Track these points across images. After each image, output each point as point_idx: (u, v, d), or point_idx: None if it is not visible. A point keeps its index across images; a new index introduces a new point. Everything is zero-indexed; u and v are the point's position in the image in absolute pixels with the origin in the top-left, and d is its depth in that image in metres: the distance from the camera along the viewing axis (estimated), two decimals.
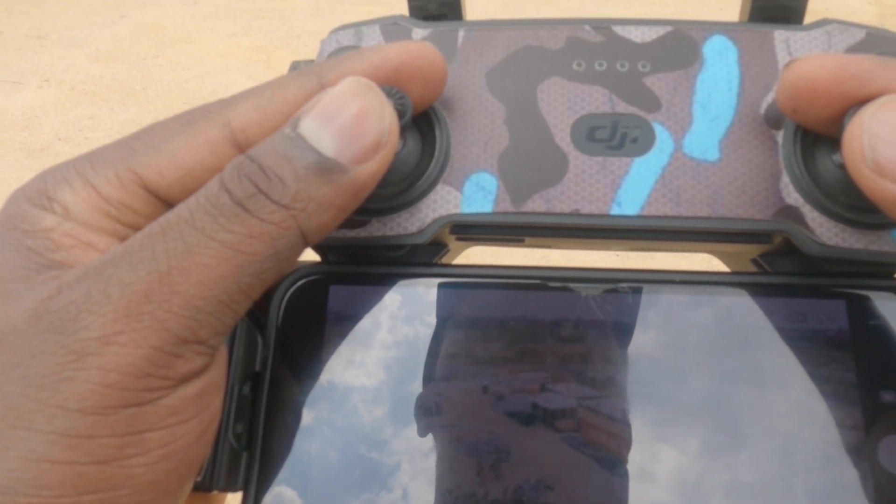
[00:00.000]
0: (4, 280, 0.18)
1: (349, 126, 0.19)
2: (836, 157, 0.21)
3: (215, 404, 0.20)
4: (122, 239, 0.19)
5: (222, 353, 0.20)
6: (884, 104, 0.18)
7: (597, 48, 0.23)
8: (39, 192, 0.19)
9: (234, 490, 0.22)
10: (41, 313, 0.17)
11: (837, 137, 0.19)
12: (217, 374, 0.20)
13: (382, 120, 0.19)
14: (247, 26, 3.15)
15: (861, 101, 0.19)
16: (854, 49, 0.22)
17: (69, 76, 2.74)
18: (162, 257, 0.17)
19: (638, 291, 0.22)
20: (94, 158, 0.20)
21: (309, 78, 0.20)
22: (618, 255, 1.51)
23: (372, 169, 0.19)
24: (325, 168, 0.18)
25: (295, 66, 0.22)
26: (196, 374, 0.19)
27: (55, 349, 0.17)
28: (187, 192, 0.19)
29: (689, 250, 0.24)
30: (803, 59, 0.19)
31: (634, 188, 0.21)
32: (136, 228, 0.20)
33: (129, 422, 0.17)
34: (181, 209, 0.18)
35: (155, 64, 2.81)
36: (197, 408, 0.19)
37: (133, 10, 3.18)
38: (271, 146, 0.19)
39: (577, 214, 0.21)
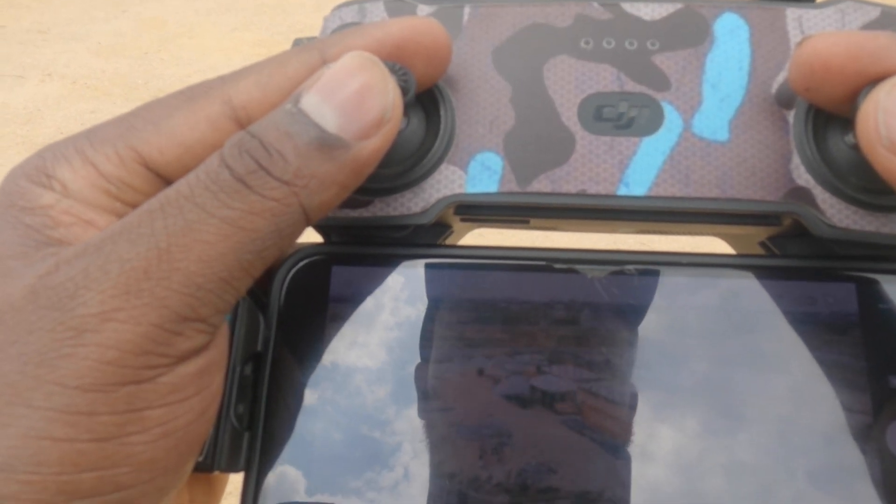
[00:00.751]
0: (3, 257, 0.18)
1: (351, 101, 0.18)
2: (848, 138, 0.20)
3: (216, 382, 0.20)
4: (122, 217, 0.19)
5: (223, 331, 0.20)
6: None
7: (605, 26, 0.22)
8: (38, 170, 0.19)
9: (235, 471, 0.22)
10: (39, 290, 0.17)
11: (851, 117, 0.19)
12: (218, 353, 0.19)
13: (386, 95, 0.19)
14: (249, 21, 3.14)
15: (876, 80, 0.18)
16: (868, 27, 0.21)
17: (71, 70, 2.74)
18: (161, 234, 0.17)
19: (644, 274, 0.22)
20: (93, 136, 0.20)
21: (311, 54, 0.20)
22: (625, 239, 1.51)
23: (375, 145, 0.19)
24: (327, 144, 0.18)
25: (298, 43, 0.22)
26: (196, 352, 0.18)
27: (53, 326, 0.17)
28: (187, 170, 0.19)
29: (697, 233, 0.24)
30: (817, 36, 0.19)
31: (642, 168, 0.21)
32: (136, 206, 0.20)
33: (129, 399, 0.17)
34: (181, 185, 0.18)
35: (157, 58, 2.81)
36: (197, 386, 0.19)
37: (134, 5, 3.18)
38: (272, 122, 0.18)
39: (583, 195, 0.21)
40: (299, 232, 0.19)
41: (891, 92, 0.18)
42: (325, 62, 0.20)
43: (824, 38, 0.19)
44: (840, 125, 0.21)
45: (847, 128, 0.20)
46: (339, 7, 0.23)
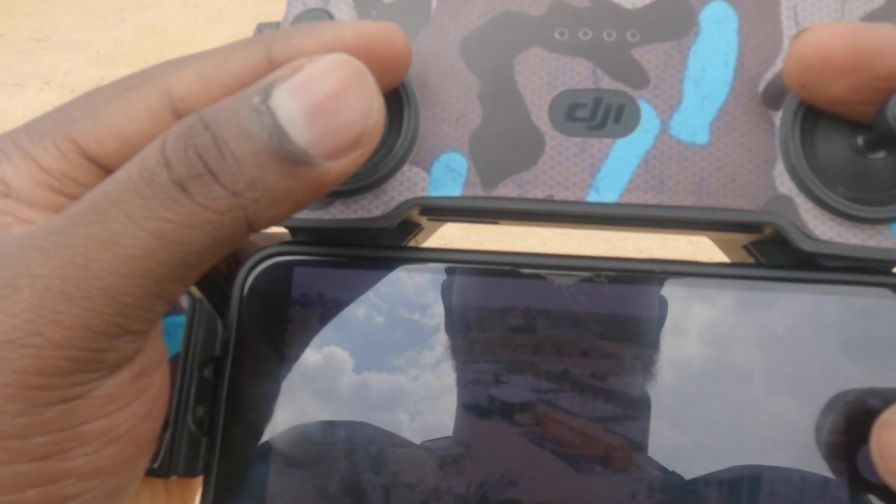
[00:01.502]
0: None
1: (330, 113, 0.16)
2: (857, 140, 0.19)
3: (157, 381, 0.18)
4: None
5: (158, 328, 0.19)
6: None
7: (582, 14, 0.21)
8: None
9: (193, 476, 0.21)
10: None
11: (851, 118, 0.18)
12: (153, 353, 0.18)
13: (369, 116, 0.17)
14: (248, 30, 3.14)
15: (885, 78, 0.17)
16: (872, 17, 0.20)
17: (70, 79, 2.74)
18: (79, 246, 0.15)
19: (615, 282, 0.21)
20: (31, 129, 0.18)
21: (257, 49, 0.18)
22: (625, 239, 1.50)
23: (343, 168, 0.17)
24: (291, 157, 0.16)
25: (261, 29, 0.21)
26: (129, 360, 0.17)
27: None
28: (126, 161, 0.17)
29: (676, 234, 0.23)
30: (815, 28, 0.18)
31: (614, 173, 0.20)
32: None
33: (62, 418, 0.16)
34: (108, 185, 0.16)
35: None
36: (136, 391, 0.17)
37: (134, 13, 3.18)
38: (232, 114, 0.16)
39: (550, 201, 0.20)
40: (241, 243, 0.17)
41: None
42: (270, 62, 0.18)
43: (823, 29, 0.18)
44: (833, 128, 0.19)
45: (843, 128, 0.19)
46: None
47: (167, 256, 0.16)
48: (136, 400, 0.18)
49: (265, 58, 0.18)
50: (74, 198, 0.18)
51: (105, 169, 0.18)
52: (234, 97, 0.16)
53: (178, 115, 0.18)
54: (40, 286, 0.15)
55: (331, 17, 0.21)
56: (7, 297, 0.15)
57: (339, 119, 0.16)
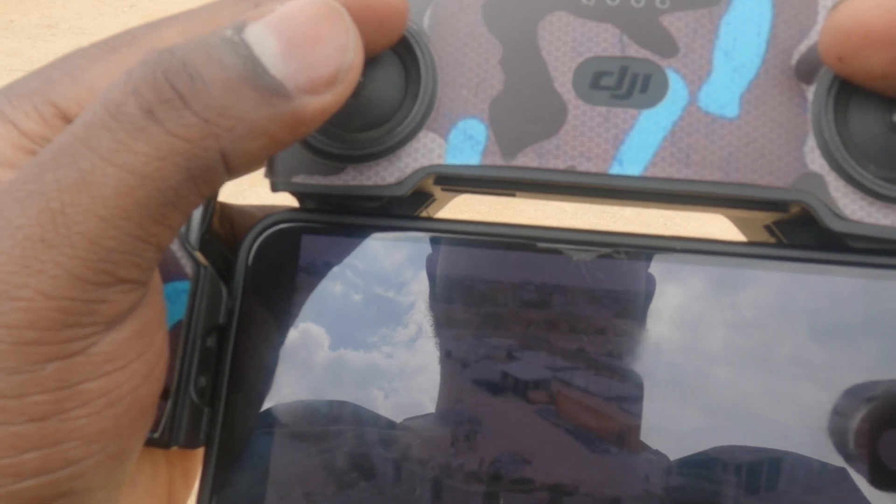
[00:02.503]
0: None
1: (305, 47, 0.16)
2: (893, 117, 0.18)
3: (158, 341, 0.18)
4: None
5: (156, 284, 0.18)
6: None
7: None
8: None
9: (194, 447, 0.21)
10: None
11: (889, 93, 0.17)
12: (153, 310, 0.18)
13: (345, 52, 0.16)
14: None
15: None
16: None
17: None
18: (52, 190, 0.15)
19: (633, 258, 0.20)
20: (10, 92, 0.18)
21: (246, 4, 0.18)
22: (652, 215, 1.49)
23: (320, 104, 0.16)
24: (266, 87, 0.15)
25: None
26: (129, 314, 0.17)
27: None
28: None
29: (697, 211, 0.22)
30: None
31: (639, 145, 0.19)
32: None
33: (60, 376, 0.16)
34: (76, 125, 0.15)
35: None
36: (137, 349, 0.17)
37: (143, 0, 3.18)
38: (202, 43, 0.15)
39: (572, 172, 0.19)
40: (218, 181, 0.16)
41: None
42: None
43: (865, 0, 0.17)
44: (869, 103, 0.19)
45: (880, 105, 0.19)
46: None
47: (142, 194, 0.15)
48: (138, 359, 0.17)
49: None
50: None
51: None
52: (205, 34, 0.16)
53: None
54: (20, 237, 0.15)
55: None
56: None
57: (315, 53, 0.16)
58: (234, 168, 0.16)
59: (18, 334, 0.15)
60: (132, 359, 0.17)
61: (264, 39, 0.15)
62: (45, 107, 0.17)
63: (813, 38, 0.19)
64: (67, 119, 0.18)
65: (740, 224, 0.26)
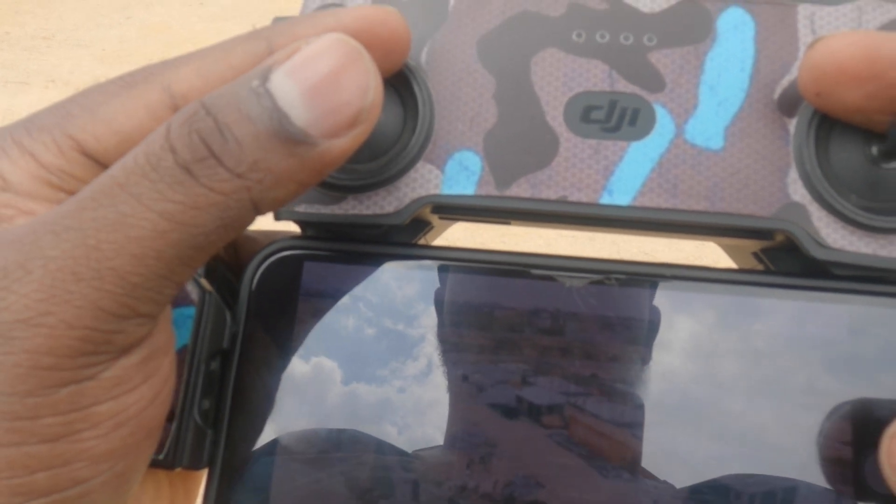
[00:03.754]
0: None
1: (327, 93, 0.16)
2: (871, 149, 0.19)
3: (165, 366, 0.19)
4: None
5: (166, 313, 0.19)
6: None
7: (600, 17, 0.21)
8: None
9: (198, 468, 0.21)
10: None
11: (866, 127, 0.18)
12: (162, 337, 0.18)
13: (366, 94, 0.17)
14: (253, 28, 3.15)
15: None
16: (888, 27, 0.20)
17: (75, 77, 2.74)
18: (90, 228, 0.16)
19: (625, 285, 0.21)
20: (30, 125, 0.19)
21: (258, 43, 0.19)
22: (614, 243, 1.50)
23: (344, 146, 0.17)
24: (292, 137, 0.16)
25: (278, 21, 0.21)
26: (139, 343, 0.17)
27: None
28: None
29: (686, 239, 0.23)
30: (831, 36, 0.18)
31: (628, 176, 0.20)
32: None
33: (72, 399, 0.16)
34: (116, 170, 0.17)
35: None
36: (144, 374, 0.18)
37: (139, 11, 3.19)
38: (233, 98, 0.16)
39: (564, 202, 0.20)
40: (247, 225, 0.18)
41: None
42: (271, 53, 0.18)
43: (840, 38, 0.17)
44: (848, 136, 0.19)
45: (858, 137, 0.19)
46: None
47: (176, 237, 0.16)
48: (145, 383, 0.18)
49: (266, 50, 0.19)
50: (73, 193, 0.18)
51: (103, 165, 0.19)
52: (233, 83, 0.17)
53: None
54: (52, 268, 0.16)
55: None
56: (19, 278, 0.16)
57: (337, 98, 0.16)
58: (262, 212, 0.17)
59: (37, 359, 0.16)
60: (139, 383, 0.17)
61: (288, 88, 0.16)
62: (64, 140, 0.18)
63: (794, 73, 0.20)
64: (85, 152, 0.18)
65: (730, 251, 0.26)
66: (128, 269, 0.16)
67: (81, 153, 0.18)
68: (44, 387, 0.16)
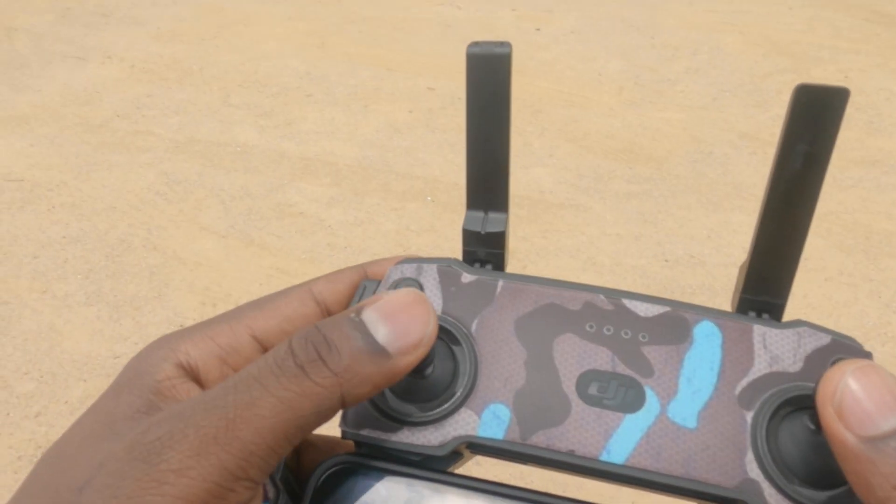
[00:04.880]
0: (119, 419, 0.23)
1: (402, 324, 0.23)
2: (809, 445, 0.23)
3: None
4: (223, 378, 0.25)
5: (258, 498, 0.23)
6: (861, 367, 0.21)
7: (607, 315, 0.27)
8: (165, 345, 0.25)
9: None
10: (135, 444, 0.22)
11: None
12: None
13: (427, 327, 0.24)
14: (302, 10, 3.17)
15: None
16: (818, 353, 0.25)
17: (130, 54, 2.80)
18: (231, 406, 0.21)
19: None
20: (209, 321, 0.26)
21: (358, 272, 0.29)
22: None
23: (409, 361, 0.23)
24: (375, 352, 0.23)
25: (364, 286, 0.29)
26: None
27: (141, 475, 0.21)
28: (285, 336, 0.26)
29: (667, 496, 0.27)
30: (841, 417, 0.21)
31: (623, 440, 0.25)
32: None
33: None
34: (252, 368, 0.22)
35: (212, 45, 2.86)
36: None
37: None
38: (337, 324, 0.23)
39: (571, 454, 0.25)
40: (334, 414, 0.23)
41: (858, 375, 0.21)
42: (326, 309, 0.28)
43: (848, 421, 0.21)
44: (794, 433, 0.24)
45: (803, 435, 0.23)
46: (402, 262, 0.28)
47: (286, 417, 0.22)
48: None
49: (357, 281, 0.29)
50: (235, 368, 0.26)
51: (265, 346, 0.26)
52: (339, 314, 0.24)
53: (318, 303, 0.27)
54: (201, 434, 0.21)
55: (420, 285, 0.28)
56: (180, 440, 0.21)
57: (407, 326, 0.23)
58: (346, 405, 0.23)
59: (173, 501, 0.21)
60: None
61: (375, 320, 0.23)
62: (237, 325, 0.26)
63: (751, 376, 0.25)
64: (254, 334, 0.27)
65: None
66: (249, 438, 0.21)
67: (250, 334, 0.26)
68: None
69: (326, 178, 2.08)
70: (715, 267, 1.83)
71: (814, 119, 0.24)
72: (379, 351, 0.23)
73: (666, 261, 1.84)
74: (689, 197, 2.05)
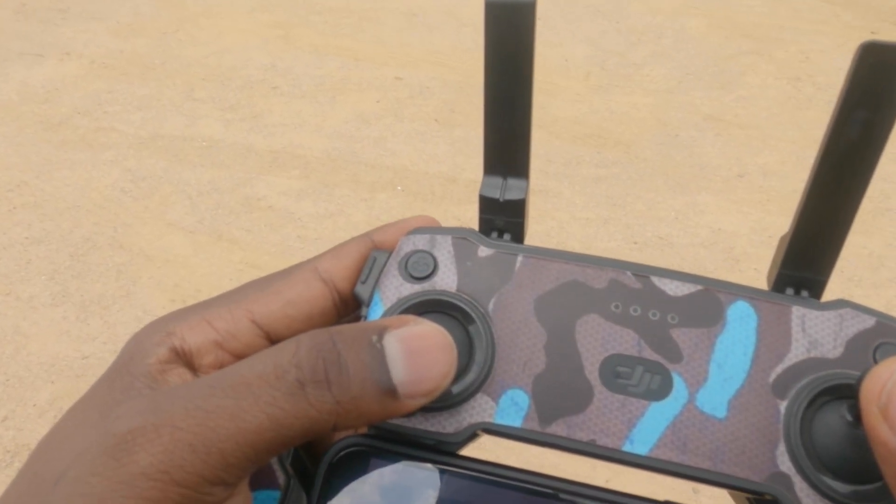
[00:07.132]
0: (111, 405, 0.22)
1: (421, 367, 0.21)
2: (848, 438, 0.22)
3: None
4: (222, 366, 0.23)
5: (246, 492, 0.22)
6: None
7: (634, 294, 0.25)
8: (159, 329, 0.24)
9: None
10: (107, 434, 0.20)
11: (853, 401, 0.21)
12: (239, 499, 0.21)
13: (444, 379, 0.22)
14: (266, 2, 3.13)
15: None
16: (863, 335, 0.23)
17: (89, 50, 2.74)
18: (214, 412, 0.20)
19: None
20: (208, 302, 0.24)
21: (365, 242, 0.26)
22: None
23: (412, 406, 0.21)
24: (385, 391, 0.21)
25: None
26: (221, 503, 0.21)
27: (111, 473, 0.20)
28: (289, 321, 0.24)
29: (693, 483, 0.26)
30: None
31: (647, 430, 0.23)
32: (238, 357, 0.24)
33: None
34: (247, 368, 0.21)
35: (174, 39, 2.80)
36: None
37: None
38: (356, 342, 0.21)
39: (592, 444, 0.23)
40: (319, 438, 0.22)
41: None
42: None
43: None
44: (830, 423, 0.22)
45: (840, 426, 0.22)
46: (413, 233, 0.26)
47: (270, 435, 0.20)
48: None
49: (371, 247, 0.26)
50: (233, 354, 0.24)
51: (266, 332, 0.24)
52: (359, 328, 0.22)
53: (324, 281, 0.25)
54: (177, 437, 0.20)
55: (434, 259, 0.25)
56: (152, 440, 0.20)
57: (426, 373, 0.21)
58: (336, 432, 0.21)
59: None
60: None
61: (396, 354, 0.21)
62: (237, 309, 0.24)
63: (787, 362, 0.23)
64: (254, 319, 0.24)
65: (731, 492, 0.29)
66: (230, 451, 0.20)
67: (250, 319, 0.24)
68: None
69: (295, 170, 2.07)
70: (683, 248, 1.86)
71: (879, 82, 0.22)
72: (389, 391, 0.21)
73: (635, 243, 1.86)
74: (657, 179, 2.07)
